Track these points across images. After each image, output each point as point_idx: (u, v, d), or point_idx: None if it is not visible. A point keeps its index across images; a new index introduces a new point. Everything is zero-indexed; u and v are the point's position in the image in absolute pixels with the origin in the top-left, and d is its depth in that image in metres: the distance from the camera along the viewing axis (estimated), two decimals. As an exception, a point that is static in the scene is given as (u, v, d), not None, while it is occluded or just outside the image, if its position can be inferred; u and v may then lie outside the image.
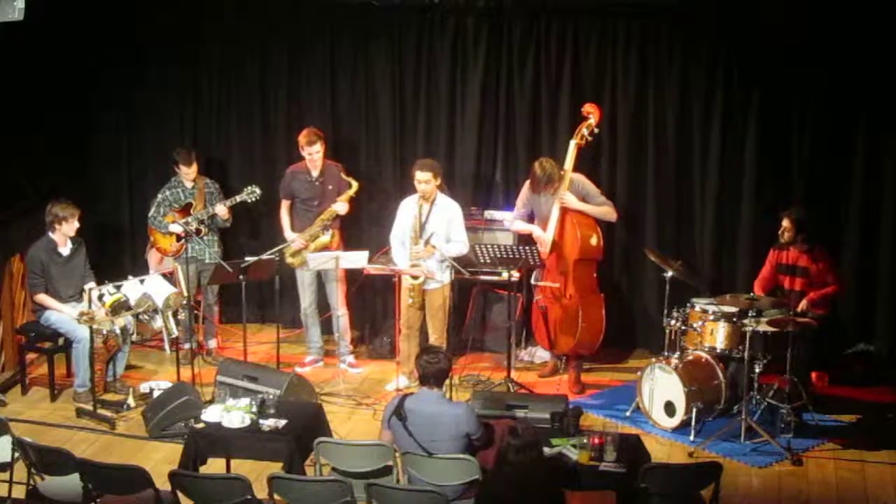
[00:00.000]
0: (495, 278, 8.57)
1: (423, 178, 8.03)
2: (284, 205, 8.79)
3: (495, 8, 9.00)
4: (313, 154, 8.51)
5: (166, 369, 8.76)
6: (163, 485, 5.75)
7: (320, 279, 8.78)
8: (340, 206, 8.60)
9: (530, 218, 8.46)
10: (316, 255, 8.37)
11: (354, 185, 8.63)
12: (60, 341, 8.27)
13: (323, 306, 8.92)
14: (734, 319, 7.60)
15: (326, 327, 9.03)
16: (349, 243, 8.83)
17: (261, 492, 5.76)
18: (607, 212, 8.32)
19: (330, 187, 8.65)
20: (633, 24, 8.82)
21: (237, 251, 9.25)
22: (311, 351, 8.98)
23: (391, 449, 5.96)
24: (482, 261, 8.10)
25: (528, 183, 8.42)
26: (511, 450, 5.19)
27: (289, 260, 8.65)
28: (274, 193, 9.32)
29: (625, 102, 8.91)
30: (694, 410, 7.46)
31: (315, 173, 8.61)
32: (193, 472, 6.14)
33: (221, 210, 8.75)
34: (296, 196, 8.72)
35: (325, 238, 8.58)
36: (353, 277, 8.92)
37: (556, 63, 8.98)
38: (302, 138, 8.56)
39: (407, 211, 8.21)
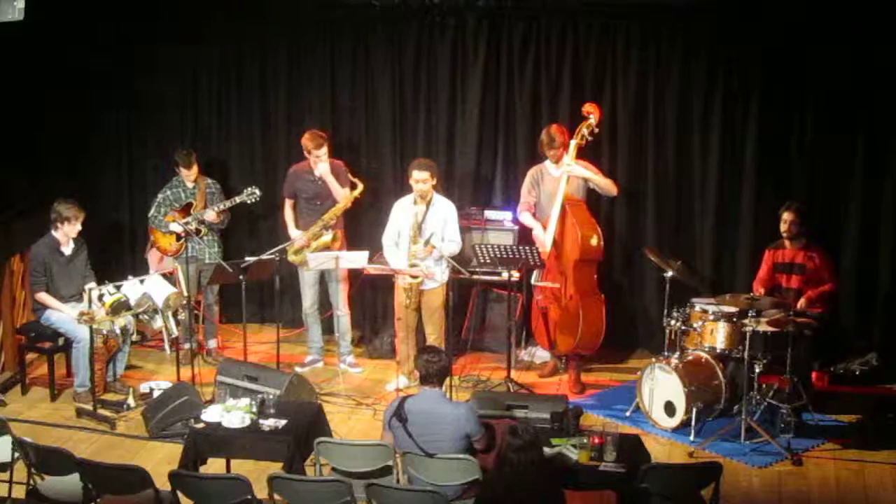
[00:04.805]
0: (495, 278, 8.58)
1: (421, 178, 8.02)
2: (288, 204, 8.79)
3: (495, 8, 9.00)
4: (321, 156, 8.51)
5: (166, 369, 8.75)
6: (163, 485, 5.75)
7: (324, 279, 8.78)
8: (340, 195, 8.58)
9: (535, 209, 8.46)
10: (316, 255, 8.37)
11: (360, 185, 8.62)
12: (60, 341, 8.26)
13: (324, 306, 8.93)
14: (734, 319, 7.60)
15: (327, 327, 9.03)
16: (352, 243, 8.82)
17: (261, 492, 5.76)
18: (610, 184, 8.36)
19: None
20: (633, 24, 8.83)
21: (237, 251, 9.25)
22: (311, 351, 8.98)
23: (391, 449, 5.96)
24: (482, 261, 8.10)
25: (530, 172, 8.45)
26: (511, 450, 5.19)
27: (291, 258, 8.65)
28: (273, 194, 9.33)
29: (625, 102, 8.92)
30: (694, 410, 7.46)
31: (317, 172, 8.61)
32: (193, 472, 6.13)
33: (210, 215, 8.75)
34: (299, 195, 8.72)
35: (326, 237, 8.57)
36: (353, 277, 8.92)
37: (556, 63, 8.98)
38: (308, 142, 8.53)
39: (401, 212, 8.20)
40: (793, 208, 7.92)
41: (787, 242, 8.00)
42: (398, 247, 8.19)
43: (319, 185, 8.62)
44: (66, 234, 8.19)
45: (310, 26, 9.46)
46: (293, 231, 8.73)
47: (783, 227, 7.94)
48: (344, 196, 8.59)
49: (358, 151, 9.42)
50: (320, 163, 8.51)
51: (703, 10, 8.63)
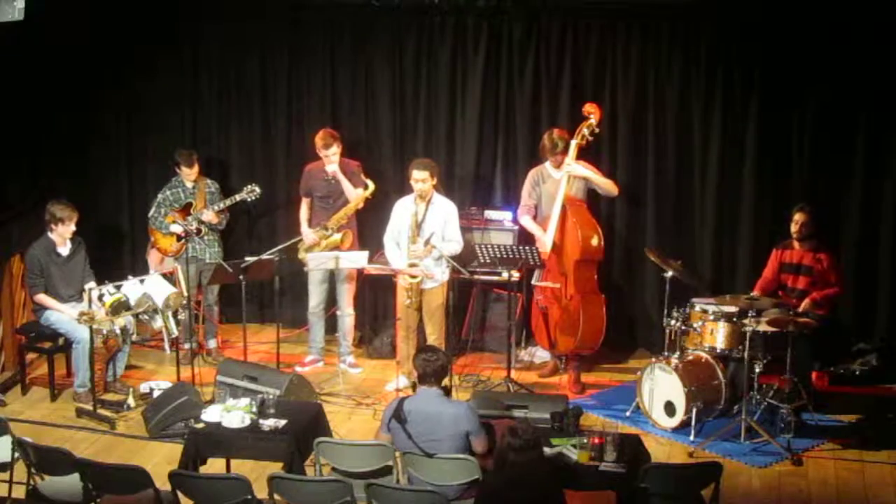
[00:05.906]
0: (495, 278, 8.58)
1: (420, 177, 8.03)
2: (304, 202, 8.82)
3: (495, 8, 9.00)
4: (330, 156, 8.53)
5: (166, 369, 8.76)
6: (163, 485, 5.75)
7: (332, 279, 8.78)
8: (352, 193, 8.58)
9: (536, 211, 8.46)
10: (316, 255, 8.38)
11: (371, 186, 8.63)
12: (60, 341, 8.26)
13: (330, 305, 8.92)
14: (734, 319, 7.59)
15: (330, 326, 9.02)
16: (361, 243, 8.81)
17: (261, 492, 5.75)
18: (610, 184, 8.35)
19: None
20: (633, 24, 8.83)
21: (237, 251, 9.26)
22: (312, 351, 8.98)
23: (391, 449, 5.95)
24: (483, 260, 8.10)
25: (530, 174, 8.44)
26: (511, 450, 5.19)
27: (301, 256, 8.66)
28: (273, 193, 9.35)
29: (625, 102, 8.92)
30: (694, 410, 7.46)
31: (329, 171, 8.62)
32: (193, 472, 6.13)
33: (208, 215, 8.76)
34: (313, 194, 8.73)
35: (336, 237, 8.58)
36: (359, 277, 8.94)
37: (556, 63, 8.99)
38: (318, 140, 8.56)
39: (402, 211, 8.21)
40: (805, 209, 7.87)
41: (795, 243, 7.97)
42: (399, 246, 8.20)
43: (332, 184, 8.64)
44: (62, 234, 8.18)
45: (310, 26, 9.46)
46: (305, 229, 8.74)
47: (793, 228, 7.91)
48: (356, 196, 8.59)
49: (358, 152, 9.41)
50: (330, 162, 8.52)
51: (703, 10, 8.63)
